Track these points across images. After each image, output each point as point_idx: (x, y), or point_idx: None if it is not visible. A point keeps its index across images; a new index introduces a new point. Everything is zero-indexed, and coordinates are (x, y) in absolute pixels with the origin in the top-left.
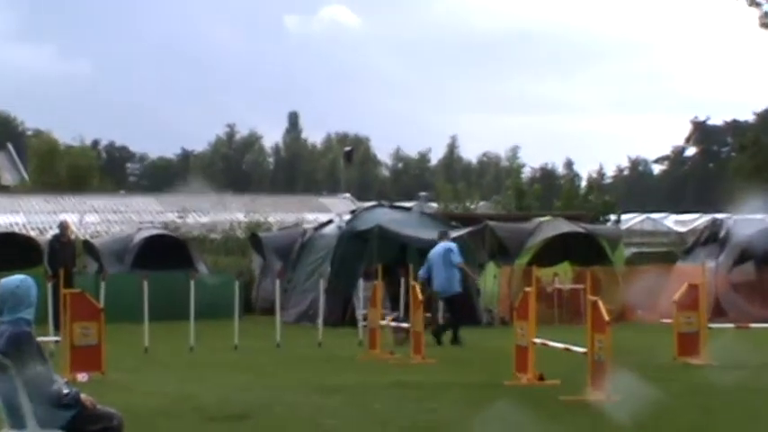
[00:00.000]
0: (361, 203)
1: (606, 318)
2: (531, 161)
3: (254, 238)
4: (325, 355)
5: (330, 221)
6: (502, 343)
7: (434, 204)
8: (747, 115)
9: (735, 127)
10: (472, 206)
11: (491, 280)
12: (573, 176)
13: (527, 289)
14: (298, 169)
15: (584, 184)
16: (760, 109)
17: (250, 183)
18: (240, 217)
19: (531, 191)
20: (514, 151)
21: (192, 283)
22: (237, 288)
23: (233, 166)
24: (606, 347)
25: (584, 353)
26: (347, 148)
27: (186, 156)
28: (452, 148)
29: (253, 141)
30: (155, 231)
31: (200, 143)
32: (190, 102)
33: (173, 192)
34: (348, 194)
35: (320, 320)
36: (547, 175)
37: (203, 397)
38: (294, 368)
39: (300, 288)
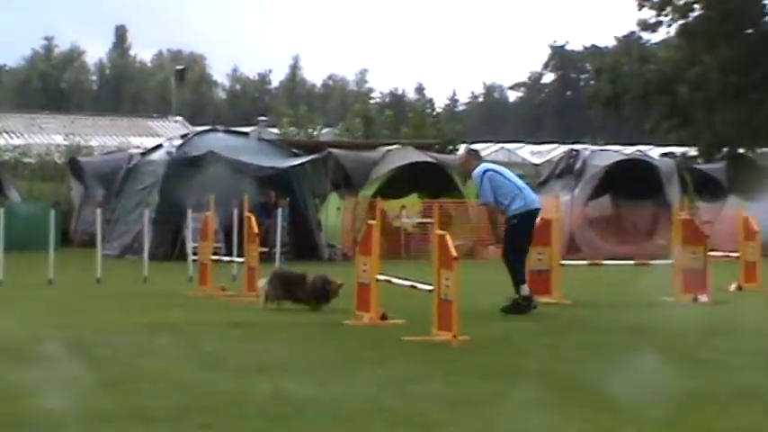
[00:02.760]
0: (193, 128)
1: (454, 254)
2: (381, 86)
3: (73, 164)
4: (151, 291)
5: (159, 146)
6: (343, 280)
7: (275, 130)
8: (608, 40)
9: (594, 53)
10: (315, 133)
11: (334, 213)
12: (424, 103)
13: (371, 222)
14: (124, 89)
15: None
16: (621, 33)
17: (70, 103)
18: (58, 140)
19: (381, 118)
20: (362, 75)
21: (2, 211)
22: (54, 218)
23: (51, 83)
24: (454, 285)
25: (431, 291)
26: (179, 67)
27: None
28: (295, 69)
29: (74, 57)
30: None
31: (12, 57)
32: (1, 10)
33: None
34: (180, 118)
35: (145, 254)
36: (396, 100)
37: (10, 337)
38: (116, 305)
39: (125, 219)
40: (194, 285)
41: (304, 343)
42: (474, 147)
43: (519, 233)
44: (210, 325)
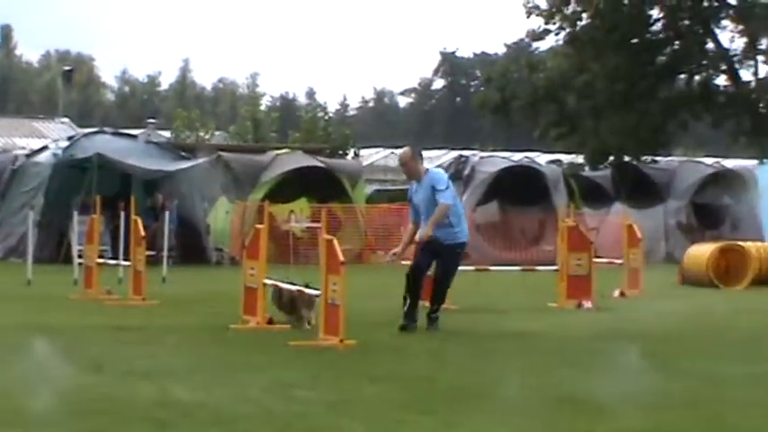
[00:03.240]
0: (81, 129)
1: (341, 258)
2: (272, 90)
3: None
4: (35, 293)
5: (45, 148)
6: (231, 284)
7: (164, 133)
8: (498, 48)
9: (484, 60)
10: (206, 136)
11: (222, 216)
12: (316, 107)
13: (258, 226)
14: (9, 89)
15: (330, 115)
16: (510, 41)
17: None
18: None
19: (269, 120)
20: (253, 78)
21: None
22: None
23: None
24: (341, 290)
25: (318, 295)
26: (67, 68)
27: None
28: (185, 72)
29: None
30: None
31: None
32: None
33: None
34: (66, 119)
35: (29, 256)
36: (287, 105)
37: None
38: None
39: (9, 221)
40: (79, 288)
41: (190, 347)
42: (362, 152)
43: (459, 261)
44: (95, 328)
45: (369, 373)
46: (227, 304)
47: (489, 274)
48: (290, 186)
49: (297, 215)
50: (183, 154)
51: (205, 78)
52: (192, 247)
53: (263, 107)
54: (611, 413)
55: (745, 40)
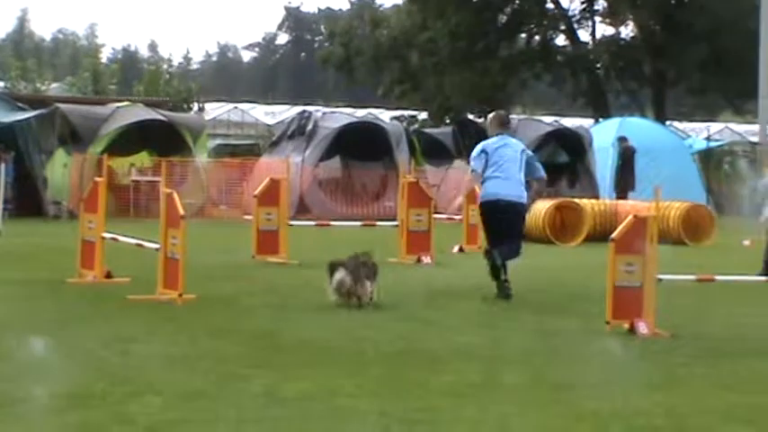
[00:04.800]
0: None
1: (182, 212)
2: (113, 42)
3: None
4: None
5: None
6: (69, 238)
7: (0, 83)
8: (343, 4)
9: (328, 15)
10: (43, 87)
11: (60, 169)
12: (158, 60)
13: (97, 179)
14: None
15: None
16: None
17: None
18: None
19: (110, 72)
20: (92, 29)
21: None
22: None
23: None
24: (181, 244)
25: (157, 249)
26: None
27: None
28: (23, 21)
29: None
30: None
31: None
32: None
33: None
34: None
35: None
36: (129, 57)
37: None
38: None
39: None
40: None
41: (26, 300)
42: (209, 106)
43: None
44: None
45: (208, 327)
46: (65, 258)
47: (331, 228)
48: (132, 140)
49: (137, 168)
50: (20, 105)
51: (44, 29)
52: (28, 199)
53: (104, 59)
54: (446, 366)
55: (582, 0)
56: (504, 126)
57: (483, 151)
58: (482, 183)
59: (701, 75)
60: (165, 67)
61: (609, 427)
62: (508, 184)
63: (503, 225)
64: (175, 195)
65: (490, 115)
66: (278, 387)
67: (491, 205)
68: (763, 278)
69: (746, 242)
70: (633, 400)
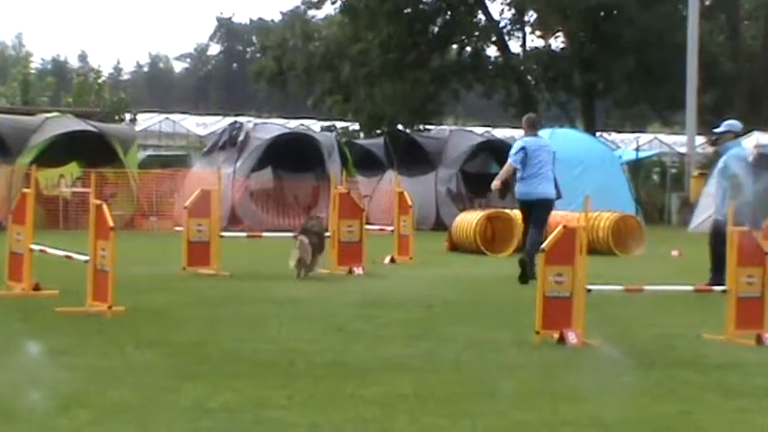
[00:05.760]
0: None
1: (111, 223)
2: (41, 51)
3: None
4: None
5: None
6: None
7: None
8: (275, 15)
9: (260, 26)
10: None
11: None
12: (88, 70)
13: (25, 191)
14: None
15: (103, 79)
16: (285, 8)
17: None
18: None
19: (41, 83)
20: (19, 38)
21: None
22: None
23: None
24: (110, 255)
25: (87, 261)
26: None
27: None
28: None
29: None
30: None
31: None
32: None
33: None
34: None
35: None
36: (59, 67)
37: None
38: None
39: None
40: None
41: None
42: (140, 116)
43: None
44: None
45: (137, 339)
46: None
47: (262, 240)
48: (61, 150)
49: (66, 180)
50: None
51: None
52: None
53: (33, 69)
54: (376, 377)
55: (513, 11)
56: (534, 128)
57: (522, 149)
58: (520, 179)
59: (630, 86)
60: (95, 77)
61: None
62: (542, 183)
63: (532, 216)
64: (105, 207)
65: (523, 118)
66: (207, 399)
67: (526, 203)
68: (703, 287)
69: (675, 252)
70: (562, 410)
